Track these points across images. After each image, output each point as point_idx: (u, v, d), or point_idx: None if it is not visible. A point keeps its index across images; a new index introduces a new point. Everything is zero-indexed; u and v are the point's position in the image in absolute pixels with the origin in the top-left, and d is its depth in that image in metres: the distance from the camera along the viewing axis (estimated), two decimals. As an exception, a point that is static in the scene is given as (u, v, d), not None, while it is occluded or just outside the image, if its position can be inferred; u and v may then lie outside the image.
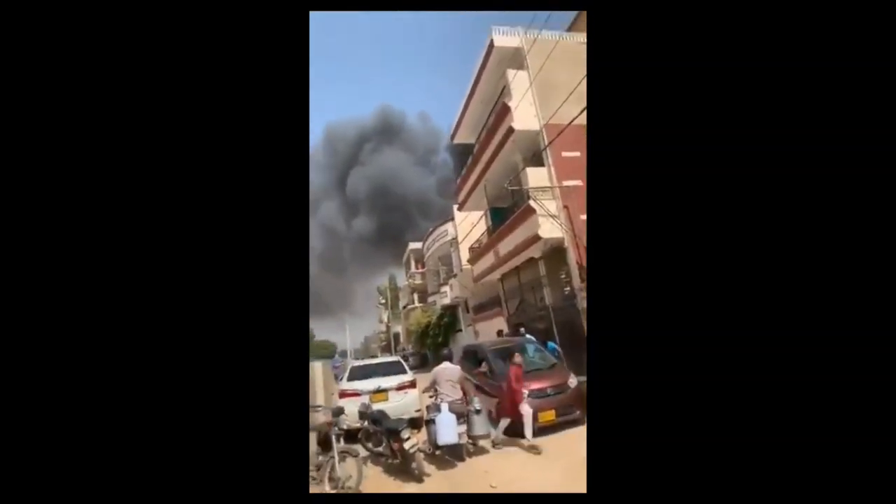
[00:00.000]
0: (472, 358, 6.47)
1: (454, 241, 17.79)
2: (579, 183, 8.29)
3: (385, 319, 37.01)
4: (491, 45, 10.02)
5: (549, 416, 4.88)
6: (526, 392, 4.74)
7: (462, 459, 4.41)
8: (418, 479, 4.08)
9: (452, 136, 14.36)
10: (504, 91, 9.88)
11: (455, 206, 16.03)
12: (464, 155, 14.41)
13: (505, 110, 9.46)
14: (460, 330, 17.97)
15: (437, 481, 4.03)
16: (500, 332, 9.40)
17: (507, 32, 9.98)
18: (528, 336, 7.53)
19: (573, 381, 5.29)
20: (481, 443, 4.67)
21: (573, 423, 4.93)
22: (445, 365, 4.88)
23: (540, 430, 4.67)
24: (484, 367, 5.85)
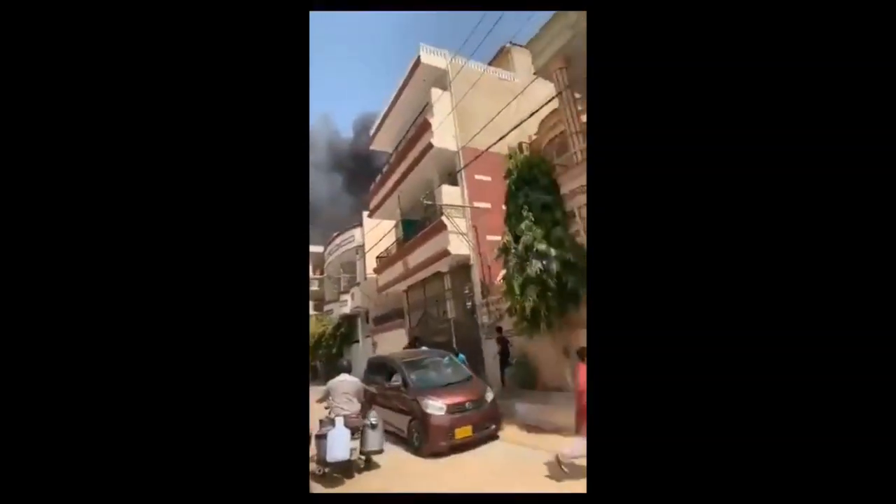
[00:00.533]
0: (381, 371, 6.13)
1: (360, 249, 17.26)
2: (488, 206, 8.88)
3: (271, 327, 33.51)
4: (418, 62, 10.25)
5: (466, 431, 4.57)
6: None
7: (351, 476, 4.19)
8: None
9: (370, 143, 14.13)
10: (426, 108, 10.15)
11: (365, 213, 15.64)
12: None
13: (426, 125, 9.71)
14: (357, 341, 17.34)
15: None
16: (412, 343, 9.31)
17: (434, 52, 10.34)
18: (425, 349, 7.40)
19: (489, 394, 5.10)
20: (374, 458, 4.48)
21: (490, 439, 4.80)
22: (343, 377, 4.52)
23: (455, 448, 4.55)
24: (396, 381, 5.47)
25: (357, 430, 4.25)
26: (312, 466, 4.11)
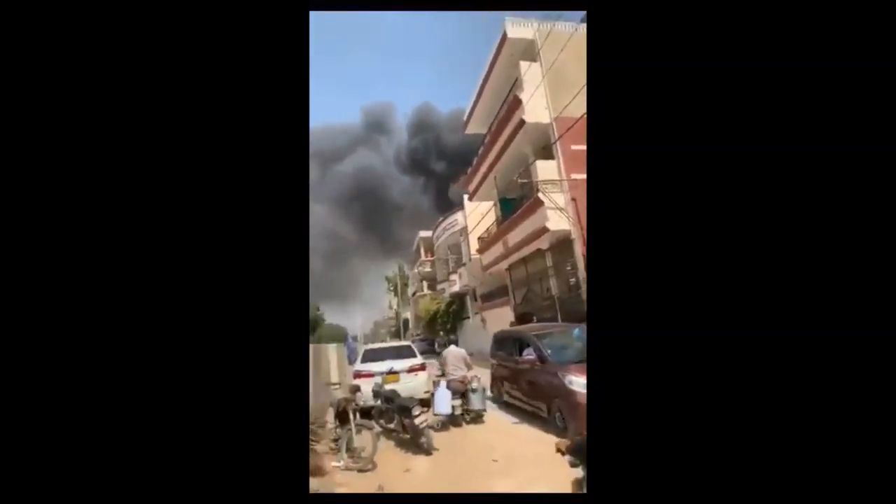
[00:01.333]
0: (508, 345, 5.82)
1: (464, 231, 18.01)
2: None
3: (394, 306, 37.60)
4: (504, 37, 10.05)
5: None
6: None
7: (459, 425, 5.24)
8: (427, 451, 4.44)
9: (465, 127, 14.45)
10: (516, 83, 9.95)
11: (465, 196, 16.19)
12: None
13: (516, 102, 9.56)
14: (468, 317, 18.32)
15: (445, 454, 4.38)
16: (521, 319, 9.17)
17: (520, 24, 9.99)
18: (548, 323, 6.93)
19: None
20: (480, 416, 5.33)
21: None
22: (451, 348, 5.63)
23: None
24: (529, 355, 5.20)
25: (458, 393, 5.25)
26: (432, 423, 4.89)
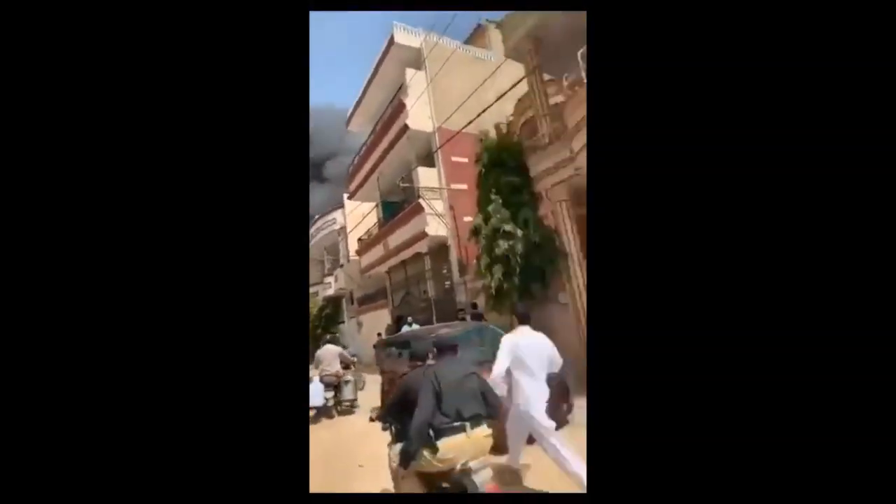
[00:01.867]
0: (402, 349, 4.49)
1: (342, 230, 17.31)
2: (465, 187, 9.05)
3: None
4: (391, 41, 10.10)
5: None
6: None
7: (331, 417, 5.57)
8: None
9: (347, 123, 13.96)
10: (401, 89, 10.08)
11: (345, 195, 15.61)
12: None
13: (401, 107, 9.68)
14: (342, 322, 17.63)
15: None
16: (395, 322, 9.04)
17: (408, 31, 10.18)
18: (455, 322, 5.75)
19: None
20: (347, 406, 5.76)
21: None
22: (327, 346, 6.13)
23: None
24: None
25: (331, 386, 5.67)
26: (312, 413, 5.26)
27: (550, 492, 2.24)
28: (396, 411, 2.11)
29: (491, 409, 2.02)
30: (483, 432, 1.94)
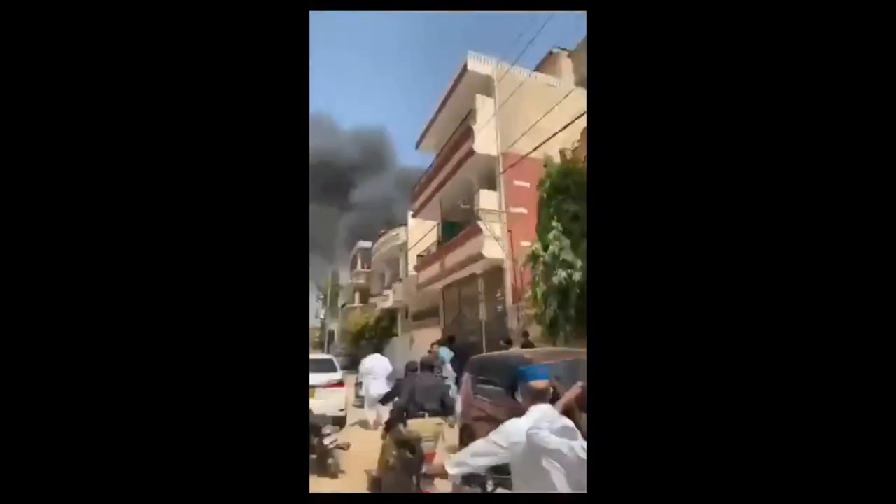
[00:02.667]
0: (497, 377, 3.94)
1: (404, 246, 17.97)
2: (525, 211, 8.96)
3: (321, 316, 35.80)
4: (464, 69, 10.53)
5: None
6: None
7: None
8: (333, 475, 4.22)
9: (417, 145, 14.67)
10: (470, 114, 10.40)
11: (410, 213, 16.25)
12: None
13: (468, 132, 9.96)
14: (396, 335, 18.06)
15: (350, 479, 4.19)
16: (446, 342, 8.45)
17: (481, 60, 10.56)
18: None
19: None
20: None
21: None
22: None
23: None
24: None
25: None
26: (342, 445, 4.55)
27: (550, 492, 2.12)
28: (391, 398, 3.82)
29: (446, 408, 3.52)
30: (435, 420, 3.35)
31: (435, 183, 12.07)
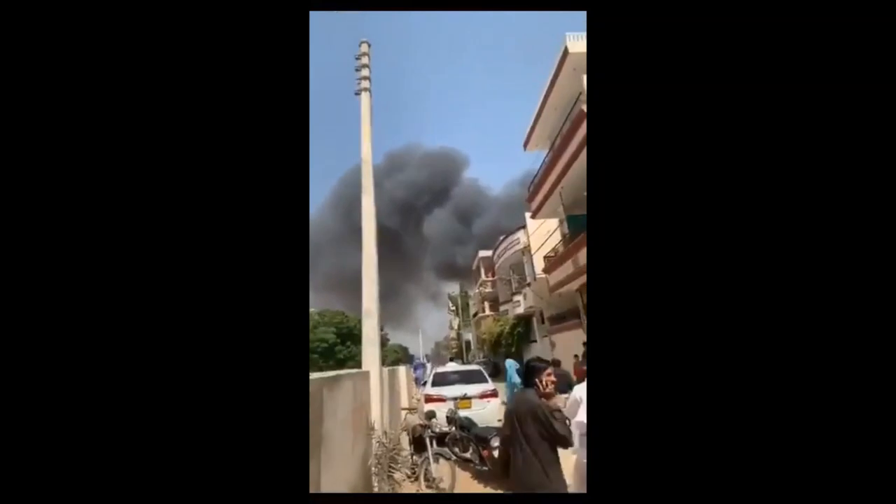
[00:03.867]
0: None
1: (526, 250, 17.57)
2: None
3: (455, 326, 37.47)
4: (565, 52, 9.90)
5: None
6: None
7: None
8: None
9: (525, 145, 14.33)
10: (580, 98, 9.66)
11: (528, 214, 15.86)
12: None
13: (582, 116, 9.24)
14: (535, 340, 17.60)
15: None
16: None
17: (580, 38, 9.78)
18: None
19: None
20: None
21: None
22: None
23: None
24: None
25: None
26: None
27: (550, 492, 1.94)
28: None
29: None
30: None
31: (552, 177, 11.51)
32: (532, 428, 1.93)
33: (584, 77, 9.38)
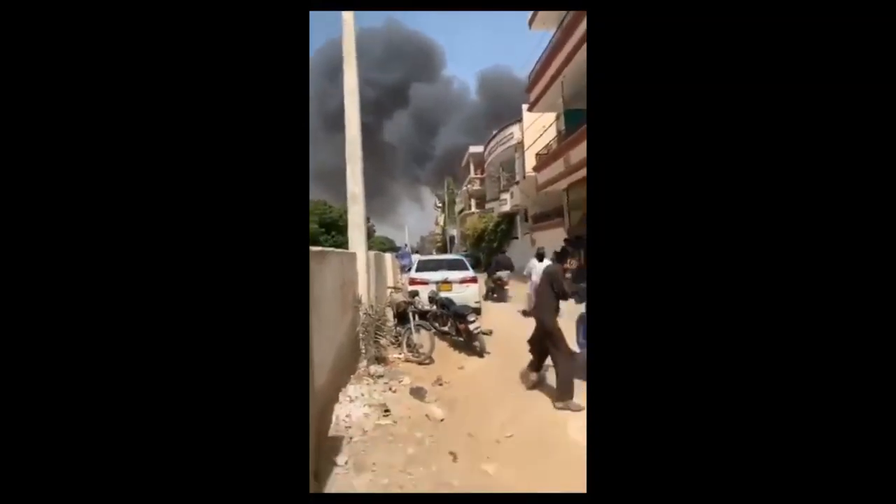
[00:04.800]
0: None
1: (519, 146, 17.00)
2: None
3: (441, 223, 38.18)
4: None
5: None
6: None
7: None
8: (480, 354, 4.77)
9: (530, 23, 12.70)
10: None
11: (524, 106, 14.91)
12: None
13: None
14: (516, 237, 18.27)
15: (493, 359, 4.69)
16: (577, 240, 9.11)
17: None
18: None
19: None
20: None
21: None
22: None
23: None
24: None
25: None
26: (485, 330, 5.13)
27: (550, 492, 2.24)
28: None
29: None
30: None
31: (555, 65, 10.53)
32: (550, 284, 3.55)
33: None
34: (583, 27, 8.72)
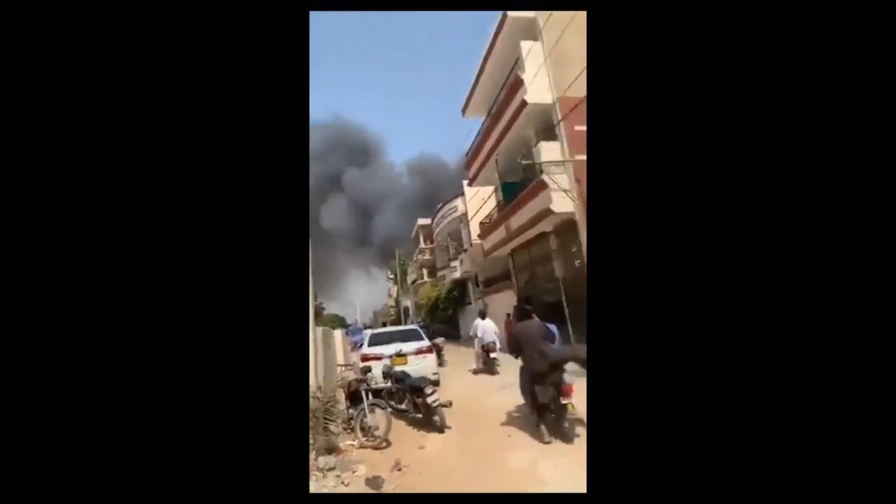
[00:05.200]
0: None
1: (464, 217, 17.94)
2: (592, 157, 8.34)
3: (394, 294, 37.60)
4: (504, 16, 9.84)
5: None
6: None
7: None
8: (440, 429, 4.47)
9: (464, 111, 14.27)
10: (517, 63, 9.78)
11: (465, 182, 16.08)
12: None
13: (518, 83, 9.40)
14: (470, 303, 18.38)
15: (455, 433, 4.42)
16: (521, 303, 9.66)
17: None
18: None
19: None
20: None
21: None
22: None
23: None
24: None
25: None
26: (444, 403, 4.83)
27: (550, 492, 2.23)
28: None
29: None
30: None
31: (489, 145, 11.71)
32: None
33: (522, 43, 9.47)
34: (509, 111, 9.96)
